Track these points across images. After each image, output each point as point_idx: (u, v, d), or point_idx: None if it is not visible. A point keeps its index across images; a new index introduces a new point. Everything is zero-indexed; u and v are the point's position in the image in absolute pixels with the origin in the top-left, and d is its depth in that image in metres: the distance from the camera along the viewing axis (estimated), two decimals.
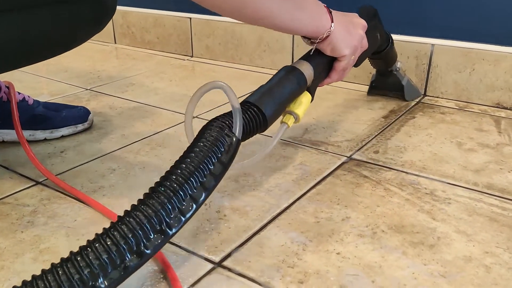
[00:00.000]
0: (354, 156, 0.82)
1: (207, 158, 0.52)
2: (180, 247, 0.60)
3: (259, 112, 0.63)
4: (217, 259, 0.57)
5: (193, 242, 0.60)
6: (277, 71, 0.71)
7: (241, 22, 1.35)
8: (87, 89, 1.21)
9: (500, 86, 1.03)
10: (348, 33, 0.74)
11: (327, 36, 0.70)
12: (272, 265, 0.56)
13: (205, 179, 0.51)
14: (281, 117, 0.70)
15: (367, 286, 0.53)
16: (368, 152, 0.84)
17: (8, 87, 0.86)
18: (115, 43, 1.68)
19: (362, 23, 0.79)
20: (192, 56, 1.50)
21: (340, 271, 0.55)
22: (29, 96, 0.90)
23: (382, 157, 0.82)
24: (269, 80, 0.69)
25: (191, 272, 0.55)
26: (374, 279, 0.54)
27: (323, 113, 1.02)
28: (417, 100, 1.09)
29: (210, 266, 0.56)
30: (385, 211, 0.66)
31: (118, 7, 1.62)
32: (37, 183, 0.75)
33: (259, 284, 0.53)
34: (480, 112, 1.02)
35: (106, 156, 0.84)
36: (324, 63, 0.76)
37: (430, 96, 1.11)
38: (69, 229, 0.64)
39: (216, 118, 0.59)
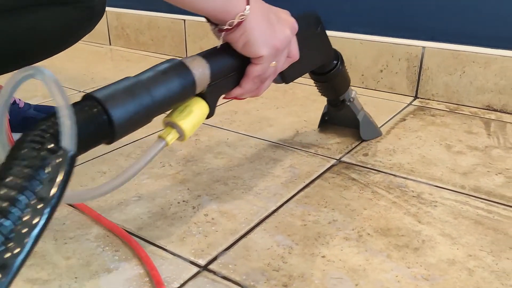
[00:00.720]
0: (343, 159, 0.83)
1: (13, 201, 0.33)
2: (166, 250, 0.60)
3: (104, 113, 0.43)
4: (203, 262, 0.58)
5: (180, 245, 0.61)
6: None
7: None
8: (80, 91, 1.21)
9: (490, 89, 1.03)
10: (269, 27, 0.56)
11: (239, 23, 0.53)
12: (257, 268, 0.57)
13: (13, 235, 0.32)
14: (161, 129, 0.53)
15: None
16: (358, 155, 0.84)
17: None
18: (110, 44, 1.69)
19: (291, 21, 0.60)
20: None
21: (325, 274, 0.55)
22: (20, 99, 0.90)
23: (371, 160, 0.82)
24: (140, 72, 0.48)
25: (176, 276, 0.56)
26: (358, 282, 0.54)
27: (313, 115, 1.02)
28: (408, 102, 1.10)
29: (195, 269, 0.57)
30: (371, 214, 0.67)
31: (113, 9, 1.62)
32: None
33: (244, 287, 0.54)
34: (470, 114, 1.03)
35: (96, 159, 0.85)
36: (233, 65, 0.57)
37: (421, 99, 1.12)
38: (57, 233, 0.64)
39: (35, 126, 0.38)
